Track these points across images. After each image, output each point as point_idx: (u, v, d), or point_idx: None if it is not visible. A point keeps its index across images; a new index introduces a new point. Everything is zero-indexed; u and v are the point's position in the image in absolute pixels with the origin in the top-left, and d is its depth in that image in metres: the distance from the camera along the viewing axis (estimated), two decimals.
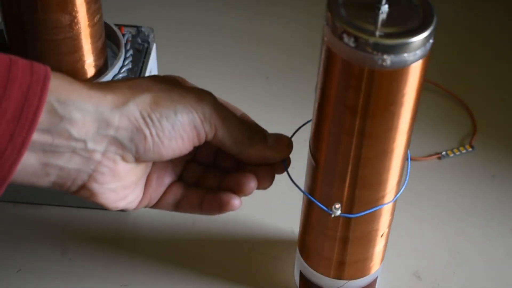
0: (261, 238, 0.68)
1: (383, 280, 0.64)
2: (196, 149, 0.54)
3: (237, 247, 0.67)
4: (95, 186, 0.50)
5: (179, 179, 0.57)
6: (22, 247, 0.66)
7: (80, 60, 0.64)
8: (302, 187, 0.55)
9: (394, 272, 0.65)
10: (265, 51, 0.88)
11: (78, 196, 0.51)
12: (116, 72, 0.67)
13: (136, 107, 0.49)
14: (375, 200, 0.52)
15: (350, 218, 0.53)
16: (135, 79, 0.51)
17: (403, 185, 0.55)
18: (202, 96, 0.51)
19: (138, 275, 0.64)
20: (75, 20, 0.61)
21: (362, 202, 0.52)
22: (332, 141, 0.49)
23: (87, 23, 0.62)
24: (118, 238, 0.67)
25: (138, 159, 0.50)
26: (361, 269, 0.58)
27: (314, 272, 0.59)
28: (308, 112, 0.53)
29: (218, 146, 0.53)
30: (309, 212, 0.56)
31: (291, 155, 0.55)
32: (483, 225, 0.70)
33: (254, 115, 0.79)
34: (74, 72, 0.64)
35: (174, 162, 0.56)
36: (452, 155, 0.76)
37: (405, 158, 0.52)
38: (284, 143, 0.55)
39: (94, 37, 0.64)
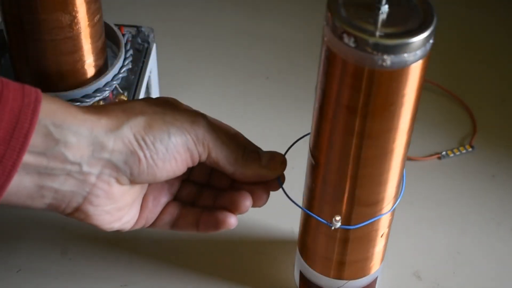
0: (261, 238, 0.68)
1: (383, 280, 0.64)
2: (191, 169, 0.55)
3: (237, 247, 0.67)
4: (90, 208, 0.51)
5: (175, 198, 0.58)
6: (22, 247, 0.66)
7: (80, 60, 0.64)
8: (302, 187, 0.55)
9: (394, 272, 0.65)
10: (265, 51, 0.88)
11: (73, 218, 0.51)
12: (116, 72, 0.67)
13: (130, 130, 0.49)
14: (375, 200, 0.52)
15: (350, 218, 0.53)
16: (128, 102, 0.52)
17: (399, 195, 0.56)
18: (195, 118, 0.52)
19: (138, 275, 0.64)
20: (75, 20, 0.61)
21: (362, 202, 0.52)
22: (332, 141, 0.49)
23: (87, 23, 0.62)
24: (118, 238, 0.67)
25: (132, 181, 0.51)
26: (361, 269, 0.58)
27: (314, 272, 0.59)
28: (308, 112, 0.53)
29: (212, 166, 0.54)
30: (310, 202, 0.56)
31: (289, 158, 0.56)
32: (483, 225, 0.70)
33: (254, 115, 0.80)
34: (74, 72, 0.64)
35: (169, 182, 0.56)
36: (452, 155, 0.76)
37: (405, 159, 0.52)
38: (278, 161, 0.56)
39: (94, 37, 0.64)
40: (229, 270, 0.64)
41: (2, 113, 0.45)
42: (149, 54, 0.72)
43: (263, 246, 0.66)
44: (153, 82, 0.75)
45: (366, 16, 0.44)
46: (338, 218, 0.53)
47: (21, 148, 0.45)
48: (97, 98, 0.65)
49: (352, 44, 0.43)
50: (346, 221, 0.53)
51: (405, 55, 0.43)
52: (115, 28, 0.70)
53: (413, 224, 0.69)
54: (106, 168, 0.49)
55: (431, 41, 0.44)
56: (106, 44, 0.68)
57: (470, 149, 0.77)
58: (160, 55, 0.76)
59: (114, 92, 0.67)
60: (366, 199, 0.52)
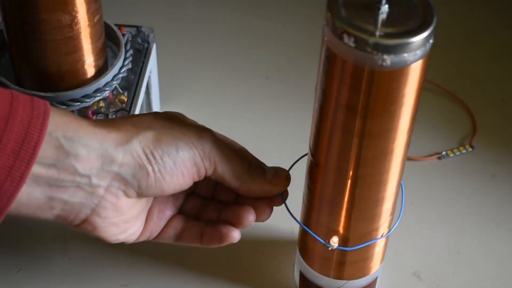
0: (261, 238, 0.68)
1: (383, 280, 0.64)
2: (196, 183, 0.56)
3: (237, 247, 0.67)
4: (97, 220, 0.52)
5: (179, 211, 0.59)
6: (22, 247, 0.66)
7: (80, 60, 0.64)
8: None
9: (394, 272, 0.65)
10: (265, 51, 0.88)
11: (80, 229, 0.52)
12: (116, 72, 0.67)
13: (139, 144, 0.51)
14: (375, 200, 0.52)
15: (350, 218, 0.53)
16: (137, 116, 0.53)
17: (398, 219, 0.57)
18: (202, 133, 0.53)
19: (138, 275, 0.64)
20: (75, 20, 0.61)
21: (363, 202, 0.52)
22: (332, 141, 0.49)
23: (87, 23, 0.62)
24: None
25: (140, 195, 0.52)
26: (361, 269, 0.58)
27: (314, 272, 0.59)
28: (308, 112, 0.53)
29: (218, 180, 0.55)
30: (309, 212, 0.56)
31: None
32: (483, 225, 0.70)
33: (254, 115, 0.80)
34: (74, 72, 0.64)
35: (174, 195, 0.58)
36: (452, 155, 0.76)
37: (405, 159, 0.52)
38: (282, 177, 0.57)
39: (94, 37, 0.64)
40: (229, 270, 0.64)
41: (12, 125, 0.46)
42: (149, 54, 0.72)
43: (263, 246, 0.66)
44: (153, 82, 0.75)
45: (366, 16, 0.44)
46: (335, 240, 0.55)
47: (30, 159, 0.46)
48: (97, 98, 0.65)
49: (352, 44, 0.43)
50: (346, 221, 0.53)
51: (405, 55, 0.43)
52: (115, 28, 0.70)
53: (413, 224, 0.69)
54: (115, 181, 0.51)
55: (431, 41, 0.44)
56: (106, 44, 0.68)
57: (470, 149, 0.77)
58: (160, 55, 0.76)
59: (114, 92, 0.67)
60: (366, 198, 0.52)
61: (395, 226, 0.58)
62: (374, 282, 0.61)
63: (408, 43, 0.43)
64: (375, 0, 0.44)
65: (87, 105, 0.65)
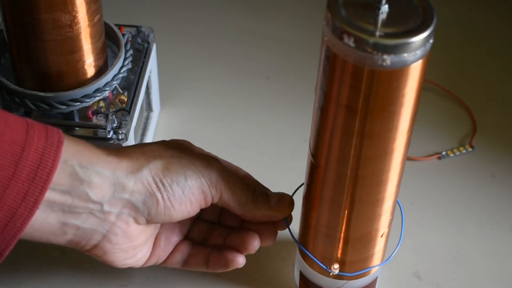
0: None
1: (383, 280, 0.64)
2: (202, 209, 0.57)
3: None
4: (108, 246, 0.53)
5: (186, 237, 0.60)
6: (22, 247, 0.66)
7: (80, 60, 0.64)
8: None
9: (394, 272, 0.65)
10: (265, 51, 0.88)
11: (90, 254, 0.54)
12: (116, 72, 0.67)
13: (149, 173, 0.53)
14: (375, 200, 0.52)
15: (350, 218, 0.53)
16: (148, 145, 0.56)
17: (398, 244, 0.59)
18: (209, 162, 0.55)
19: (138, 275, 0.64)
20: (75, 20, 0.61)
21: (362, 202, 0.52)
22: (332, 141, 0.49)
23: (87, 23, 0.62)
24: None
25: (149, 221, 0.54)
26: (361, 269, 0.58)
27: (314, 272, 0.59)
28: (308, 112, 0.53)
29: (224, 207, 0.57)
30: (309, 212, 0.56)
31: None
32: (483, 225, 0.70)
33: (254, 115, 0.80)
34: (74, 72, 0.64)
35: (181, 222, 0.59)
36: (452, 155, 0.76)
37: (405, 159, 0.52)
38: (286, 203, 0.58)
39: (94, 37, 0.64)
40: (229, 270, 0.64)
41: (28, 152, 0.48)
42: (149, 54, 0.72)
43: (263, 246, 0.66)
44: (153, 82, 0.75)
45: (366, 16, 0.44)
46: (336, 266, 0.56)
47: (44, 186, 0.48)
48: (97, 98, 0.65)
49: (352, 44, 0.43)
50: (346, 222, 0.53)
51: (405, 55, 0.43)
52: (115, 28, 0.70)
53: (413, 224, 0.69)
54: (126, 208, 0.52)
55: (431, 41, 0.45)
56: (106, 44, 0.68)
57: (470, 149, 0.77)
58: (160, 55, 0.76)
59: (114, 92, 0.67)
60: (366, 199, 0.52)
61: (395, 252, 0.59)
62: (374, 282, 0.61)
63: (408, 43, 0.43)
64: (375, 0, 0.44)
65: (87, 105, 0.65)
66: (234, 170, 0.58)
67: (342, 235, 0.54)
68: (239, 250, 0.59)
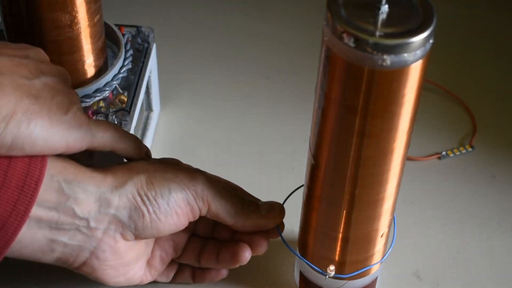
0: None
1: (383, 280, 0.64)
2: (196, 223, 0.59)
3: None
4: (96, 263, 0.54)
5: (182, 254, 0.61)
6: None
7: (80, 60, 0.64)
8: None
9: (394, 272, 0.65)
10: (265, 51, 0.88)
11: (79, 272, 0.55)
12: (116, 72, 0.67)
13: (134, 187, 0.53)
14: (375, 200, 0.52)
15: (350, 218, 0.53)
16: (133, 163, 0.56)
17: (390, 246, 0.58)
18: (194, 175, 0.56)
19: None
20: (75, 20, 0.61)
21: (362, 202, 0.52)
22: (332, 141, 0.49)
23: (87, 23, 0.62)
24: None
25: (137, 236, 0.54)
26: (361, 269, 0.58)
27: (314, 272, 0.59)
28: (308, 112, 0.53)
29: (214, 219, 0.57)
30: (309, 212, 0.56)
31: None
32: (483, 225, 0.70)
33: (254, 115, 0.80)
34: (74, 72, 0.64)
35: (175, 241, 0.60)
36: (452, 155, 0.76)
37: (405, 159, 0.52)
38: (277, 211, 0.59)
39: (94, 37, 0.64)
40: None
41: (15, 162, 0.48)
42: (149, 54, 0.72)
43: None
44: (153, 82, 0.75)
45: (366, 16, 0.44)
46: (332, 268, 0.56)
47: (33, 194, 0.48)
48: (97, 98, 0.65)
49: (352, 44, 0.43)
50: (346, 222, 0.53)
51: (405, 55, 0.43)
52: (115, 28, 0.70)
53: (413, 224, 0.69)
54: (112, 224, 0.53)
55: (431, 41, 0.44)
56: (106, 44, 0.68)
57: (470, 149, 0.77)
58: (160, 55, 0.76)
59: (114, 92, 0.67)
60: (366, 199, 0.52)
61: (388, 253, 0.59)
62: (374, 282, 0.61)
63: (408, 43, 0.43)
64: (375, 0, 0.44)
65: (87, 105, 0.65)
66: (222, 183, 0.59)
67: (342, 235, 0.54)
68: (231, 263, 0.59)
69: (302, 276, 0.61)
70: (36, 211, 0.49)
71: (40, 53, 0.54)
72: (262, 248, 0.59)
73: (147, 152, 0.58)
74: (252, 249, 0.59)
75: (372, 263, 0.58)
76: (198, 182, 0.55)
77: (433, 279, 0.65)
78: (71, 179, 0.51)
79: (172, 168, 0.56)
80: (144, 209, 0.53)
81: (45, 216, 0.50)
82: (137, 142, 0.57)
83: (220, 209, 0.56)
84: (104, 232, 0.53)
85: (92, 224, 0.52)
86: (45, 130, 0.49)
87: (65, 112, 0.50)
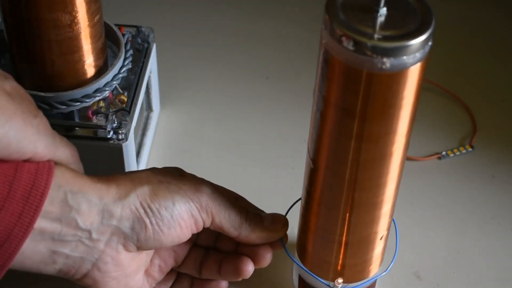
0: None
1: (383, 280, 0.64)
2: (198, 233, 0.57)
3: None
4: (98, 275, 0.53)
5: (182, 264, 0.60)
6: None
7: (80, 60, 0.64)
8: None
9: (394, 272, 0.65)
10: (265, 51, 0.88)
11: (81, 283, 0.54)
12: (116, 72, 0.67)
13: (137, 199, 0.52)
14: (374, 203, 0.52)
15: (349, 221, 0.53)
16: (136, 172, 0.55)
17: (394, 257, 0.58)
18: (199, 187, 0.55)
19: None
20: (75, 20, 0.61)
21: (361, 205, 0.52)
22: (330, 144, 0.49)
23: (87, 23, 0.62)
24: None
25: (139, 248, 0.54)
26: (360, 272, 0.58)
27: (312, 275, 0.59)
28: (308, 112, 0.53)
29: (217, 230, 0.57)
30: (307, 215, 0.56)
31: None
32: (483, 225, 0.70)
33: (254, 115, 0.80)
34: (74, 72, 0.64)
35: (176, 251, 0.59)
36: (452, 155, 0.76)
37: (404, 161, 0.52)
38: (280, 224, 0.59)
39: (94, 37, 0.64)
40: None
41: (21, 172, 0.48)
42: (149, 54, 0.72)
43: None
44: (153, 82, 0.75)
45: (364, 19, 0.44)
46: (340, 280, 0.56)
47: (37, 206, 0.48)
48: (97, 98, 0.65)
49: (351, 47, 0.43)
50: (345, 225, 0.53)
51: (404, 57, 0.43)
52: (115, 28, 0.70)
53: (413, 224, 0.69)
54: (114, 236, 0.52)
55: (430, 43, 0.44)
56: (106, 44, 0.68)
57: (470, 149, 0.77)
58: (160, 55, 0.76)
59: (114, 92, 0.67)
60: (365, 202, 0.52)
61: (392, 263, 0.59)
62: (374, 282, 0.61)
63: (407, 46, 0.43)
64: (373, 3, 0.44)
65: (87, 105, 0.65)
66: (226, 194, 0.58)
67: (341, 238, 0.54)
68: (233, 276, 0.59)
69: (301, 280, 0.61)
70: (40, 222, 0.48)
71: None
72: (266, 260, 0.59)
73: None
74: (255, 261, 0.59)
75: (371, 265, 0.58)
76: (203, 194, 0.55)
77: (433, 279, 0.65)
78: (76, 189, 0.50)
79: (176, 179, 0.55)
80: (147, 220, 0.53)
81: (49, 227, 0.49)
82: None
83: (224, 221, 0.56)
84: (106, 244, 0.52)
85: (94, 235, 0.51)
86: (19, 131, 0.48)
87: (35, 116, 0.50)
